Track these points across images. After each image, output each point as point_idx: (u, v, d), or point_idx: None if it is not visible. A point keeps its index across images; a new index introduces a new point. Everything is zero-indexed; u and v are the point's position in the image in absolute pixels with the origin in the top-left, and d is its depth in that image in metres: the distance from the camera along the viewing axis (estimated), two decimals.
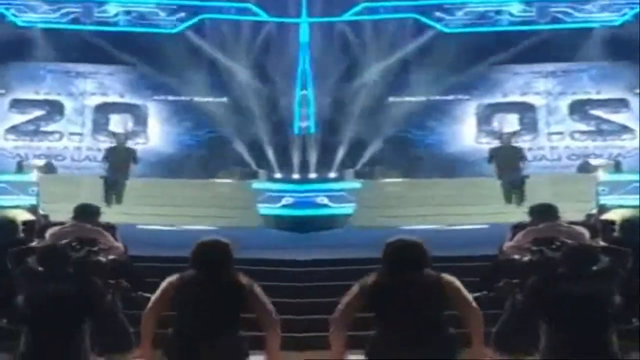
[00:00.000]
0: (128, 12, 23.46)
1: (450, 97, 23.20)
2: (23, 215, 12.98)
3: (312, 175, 21.44)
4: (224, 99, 23.23)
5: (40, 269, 7.41)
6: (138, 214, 17.61)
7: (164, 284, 6.63)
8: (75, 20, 23.11)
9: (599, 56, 22.64)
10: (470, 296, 6.49)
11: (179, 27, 23.37)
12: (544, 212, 9.57)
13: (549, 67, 23.32)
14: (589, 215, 12.35)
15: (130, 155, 19.66)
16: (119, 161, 19.28)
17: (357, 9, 23.26)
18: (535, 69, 23.38)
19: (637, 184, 18.88)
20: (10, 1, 22.87)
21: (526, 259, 9.12)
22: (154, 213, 18.11)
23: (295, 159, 21.96)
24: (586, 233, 9.40)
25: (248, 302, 6.52)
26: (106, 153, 20.08)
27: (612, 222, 12.16)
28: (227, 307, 6.50)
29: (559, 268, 7.26)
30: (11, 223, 10.94)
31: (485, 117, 23.05)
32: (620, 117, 22.39)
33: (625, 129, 22.23)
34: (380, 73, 22.55)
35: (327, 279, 12.25)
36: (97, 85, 23.54)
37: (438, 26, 23.31)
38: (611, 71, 22.75)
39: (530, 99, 23.25)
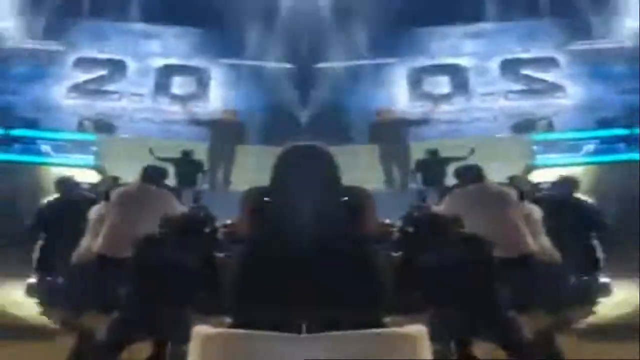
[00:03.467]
0: None
1: (378, 61, 22.81)
2: (89, 175, 12.91)
3: None
4: (290, 65, 22.44)
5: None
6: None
7: None
8: None
9: (525, 14, 22.46)
10: None
11: None
12: (470, 174, 9.37)
13: (475, 27, 22.86)
14: (513, 177, 12.10)
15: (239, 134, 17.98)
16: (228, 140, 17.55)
17: None
18: (462, 30, 22.94)
19: (571, 143, 18.86)
20: None
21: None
22: None
23: None
24: (514, 193, 9.21)
25: None
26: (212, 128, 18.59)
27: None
28: None
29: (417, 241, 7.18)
30: (73, 181, 11.35)
31: (415, 80, 22.73)
32: (551, 76, 22.14)
33: (557, 87, 22.01)
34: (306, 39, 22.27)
35: None
36: (162, 47, 23.12)
37: None
38: (538, 29, 22.55)
39: (459, 60, 22.82)
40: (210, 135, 18.17)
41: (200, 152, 18.44)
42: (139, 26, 22.95)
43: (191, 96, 22.43)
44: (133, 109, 22.31)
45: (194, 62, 23.07)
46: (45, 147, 19.07)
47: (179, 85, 22.74)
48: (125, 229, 8.66)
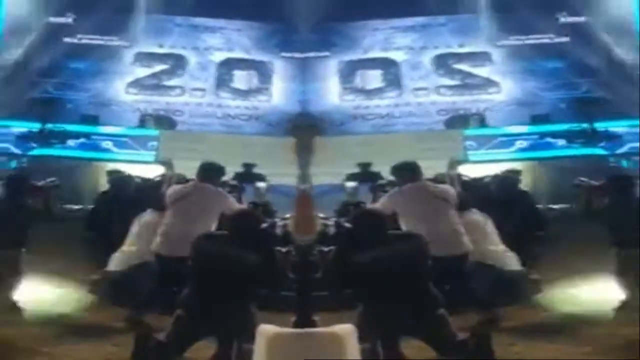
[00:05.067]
0: None
1: (310, 55, 22.62)
2: (153, 171, 12.83)
3: None
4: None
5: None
6: (266, 173, 16.65)
7: None
8: None
9: (457, 9, 22.47)
10: None
11: None
12: (408, 172, 9.28)
13: (408, 21, 22.91)
14: (439, 174, 11.98)
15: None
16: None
17: None
18: (394, 24, 22.91)
19: (504, 138, 18.88)
20: None
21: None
22: (278, 172, 16.96)
23: None
24: (452, 191, 9.14)
25: None
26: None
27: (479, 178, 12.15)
28: None
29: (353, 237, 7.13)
30: (127, 179, 11.60)
31: (347, 74, 22.58)
32: (484, 71, 22.16)
33: (490, 82, 21.99)
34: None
35: None
36: (223, 41, 23.04)
37: None
38: (471, 24, 22.55)
39: (391, 54, 22.76)
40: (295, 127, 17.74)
41: (263, 146, 18.46)
42: (200, 20, 22.99)
43: (253, 90, 22.37)
44: (194, 104, 22.15)
45: (256, 55, 22.90)
46: (106, 143, 19.10)
47: (240, 79, 22.64)
48: (182, 228, 8.68)
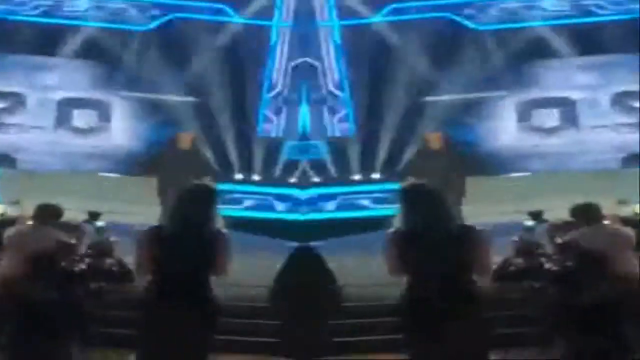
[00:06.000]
0: (99, 8, 22.95)
1: (487, 94, 22.73)
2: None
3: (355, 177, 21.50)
4: (191, 99, 22.64)
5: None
6: (105, 211, 16.43)
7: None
8: (45, 14, 22.70)
9: (636, 48, 22.09)
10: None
11: (150, 24, 22.96)
12: (588, 213, 9.24)
13: (586, 60, 22.61)
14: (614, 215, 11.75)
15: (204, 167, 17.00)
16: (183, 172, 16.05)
17: (387, 10, 22.92)
18: (572, 63, 22.69)
19: None
20: None
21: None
22: (118, 211, 17.63)
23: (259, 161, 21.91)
24: (631, 233, 9.08)
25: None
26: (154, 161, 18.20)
27: None
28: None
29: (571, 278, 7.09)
30: None
31: (524, 113, 22.58)
32: None
33: None
34: (414, 74, 22.14)
35: None
36: (62, 79, 23.05)
37: (470, 24, 22.89)
38: None
39: (569, 93, 22.63)
40: (160, 166, 17.74)
41: (104, 184, 19.41)
42: (37, 59, 22.79)
43: (93, 129, 22.56)
44: (34, 142, 22.21)
45: (95, 95, 23.00)
46: None
47: (79, 118, 22.71)
48: (18, 270, 8.71)
